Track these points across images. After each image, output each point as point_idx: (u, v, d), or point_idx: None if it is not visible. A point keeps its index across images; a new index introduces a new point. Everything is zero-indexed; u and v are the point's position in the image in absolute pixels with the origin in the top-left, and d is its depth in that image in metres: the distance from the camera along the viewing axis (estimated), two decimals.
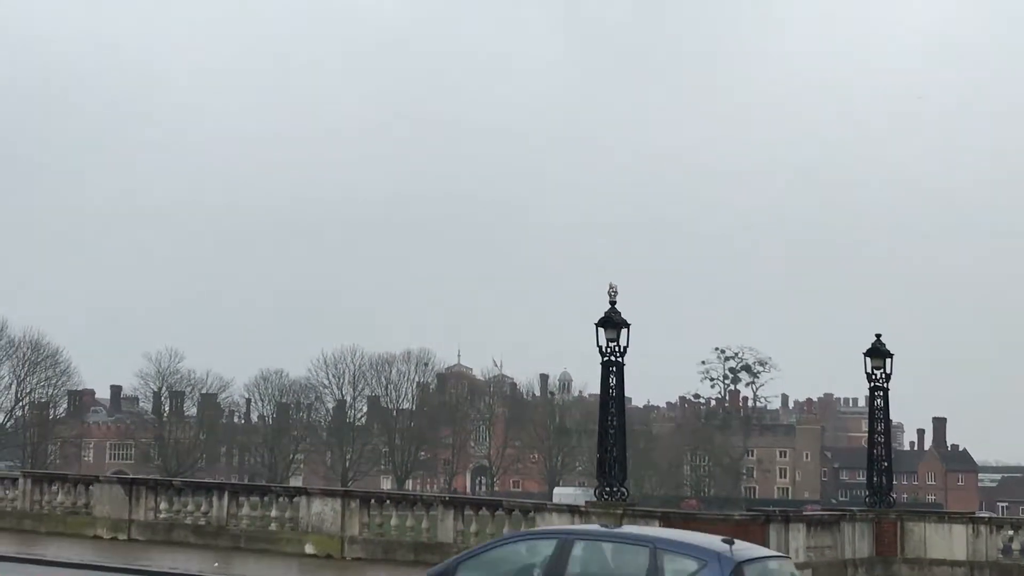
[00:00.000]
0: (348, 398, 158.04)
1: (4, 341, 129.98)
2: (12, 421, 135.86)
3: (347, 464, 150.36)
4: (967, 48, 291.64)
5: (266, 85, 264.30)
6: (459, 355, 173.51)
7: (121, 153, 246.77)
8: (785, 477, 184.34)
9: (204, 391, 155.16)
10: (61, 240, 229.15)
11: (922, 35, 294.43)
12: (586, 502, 34.19)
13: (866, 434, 41.76)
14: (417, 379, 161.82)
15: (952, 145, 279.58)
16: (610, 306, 32.74)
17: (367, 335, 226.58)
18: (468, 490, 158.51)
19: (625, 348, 32.71)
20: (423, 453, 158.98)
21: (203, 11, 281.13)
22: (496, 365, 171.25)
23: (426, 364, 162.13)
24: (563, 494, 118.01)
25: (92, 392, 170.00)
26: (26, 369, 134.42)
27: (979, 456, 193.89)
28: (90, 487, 37.96)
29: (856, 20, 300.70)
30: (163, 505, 36.62)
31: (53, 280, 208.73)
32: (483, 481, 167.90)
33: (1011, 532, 34.86)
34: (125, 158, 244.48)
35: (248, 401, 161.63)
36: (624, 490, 32.29)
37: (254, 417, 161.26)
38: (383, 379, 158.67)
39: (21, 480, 39.67)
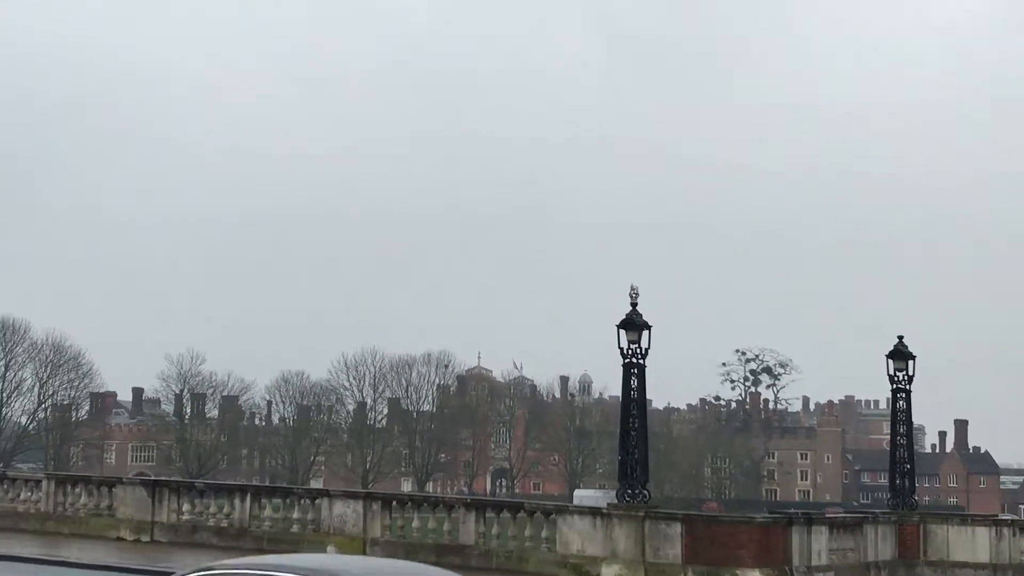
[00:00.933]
0: (369, 400, 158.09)
1: (27, 344, 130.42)
2: (35, 423, 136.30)
3: (367, 466, 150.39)
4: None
5: (286, 95, 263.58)
6: (479, 357, 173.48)
7: (143, 160, 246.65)
8: (806, 480, 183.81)
9: (225, 393, 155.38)
10: (84, 243, 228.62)
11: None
12: (608, 504, 34.10)
13: (887, 436, 41.65)
14: (437, 381, 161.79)
15: (975, 146, 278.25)
16: (631, 308, 32.69)
17: (387, 337, 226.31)
18: (488, 492, 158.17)
19: (647, 350, 32.64)
20: (443, 455, 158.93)
21: (234, 23, 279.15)
22: (516, 367, 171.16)
23: (446, 366, 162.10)
24: (584, 496, 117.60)
25: (114, 394, 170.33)
26: (48, 371, 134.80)
27: (1001, 459, 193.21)
28: (113, 489, 38.15)
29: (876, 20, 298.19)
30: (186, 507, 36.75)
31: (74, 283, 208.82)
32: (503, 483, 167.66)
33: None
34: (148, 165, 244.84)
35: (269, 403, 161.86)
36: (646, 492, 32.19)
37: (275, 419, 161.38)
38: (403, 381, 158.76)
39: (44, 482, 39.83)
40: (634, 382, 32.68)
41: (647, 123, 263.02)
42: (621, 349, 32.74)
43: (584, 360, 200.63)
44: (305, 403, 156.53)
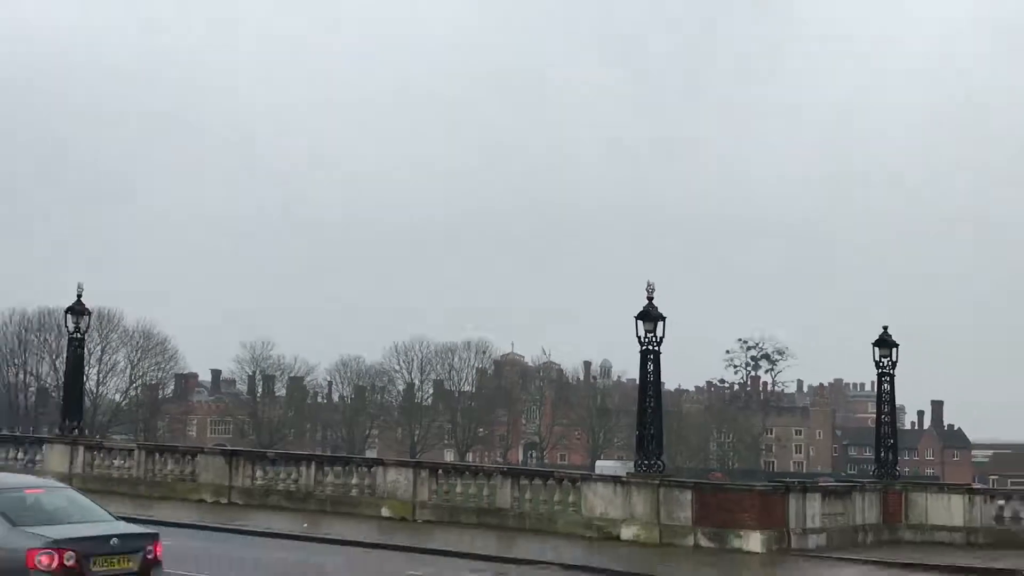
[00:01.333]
0: (416, 381, 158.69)
1: (120, 331, 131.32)
2: (127, 400, 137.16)
3: (415, 439, 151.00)
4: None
5: (360, 107, 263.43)
6: (512, 345, 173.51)
7: (222, 163, 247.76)
8: (800, 453, 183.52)
9: (292, 375, 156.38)
10: (175, 240, 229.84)
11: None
12: (627, 473, 34.06)
13: (873, 415, 41.38)
14: (476, 365, 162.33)
15: (941, 142, 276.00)
16: (648, 301, 32.54)
17: (431, 326, 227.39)
18: (520, 463, 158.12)
19: (661, 338, 32.47)
20: (481, 430, 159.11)
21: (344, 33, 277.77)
22: (545, 353, 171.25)
23: (484, 352, 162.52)
24: (604, 466, 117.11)
25: (196, 375, 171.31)
26: (139, 355, 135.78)
27: (973, 435, 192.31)
28: (196, 457, 38.43)
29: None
30: (259, 473, 37.01)
31: (163, 276, 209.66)
32: (533, 455, 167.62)
33: (1002, 502, 34.58)
34: (225, 168, 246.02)
35: (330, 383, 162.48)
36: (661, 463, 32.10)
37: (335, 397, 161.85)
38: (447, 365, 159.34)
39: (136, 451, 40.12)
40: (650, 367, 32.54)
41: (663, 121, 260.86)
42: (639, 338, 32.59)
43: (605, 347, 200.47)
44: (361, 384, 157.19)
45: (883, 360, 36.92)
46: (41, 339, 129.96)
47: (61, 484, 22.21)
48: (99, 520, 18.86)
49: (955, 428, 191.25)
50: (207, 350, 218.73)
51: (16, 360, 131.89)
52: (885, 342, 37.09)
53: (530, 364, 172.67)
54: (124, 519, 20.15)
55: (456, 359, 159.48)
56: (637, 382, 34.47)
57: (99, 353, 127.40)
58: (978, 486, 44.81)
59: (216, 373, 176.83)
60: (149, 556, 18.35)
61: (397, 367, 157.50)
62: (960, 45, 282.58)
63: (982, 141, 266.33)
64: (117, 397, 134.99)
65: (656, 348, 32.40)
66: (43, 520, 17.99)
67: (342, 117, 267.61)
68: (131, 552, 18.14)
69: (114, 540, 17.89)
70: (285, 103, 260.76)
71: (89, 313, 41.49)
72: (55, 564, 17.07)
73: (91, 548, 17.71)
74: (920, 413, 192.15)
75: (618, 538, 30.51)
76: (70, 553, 17.20)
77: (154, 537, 18.80)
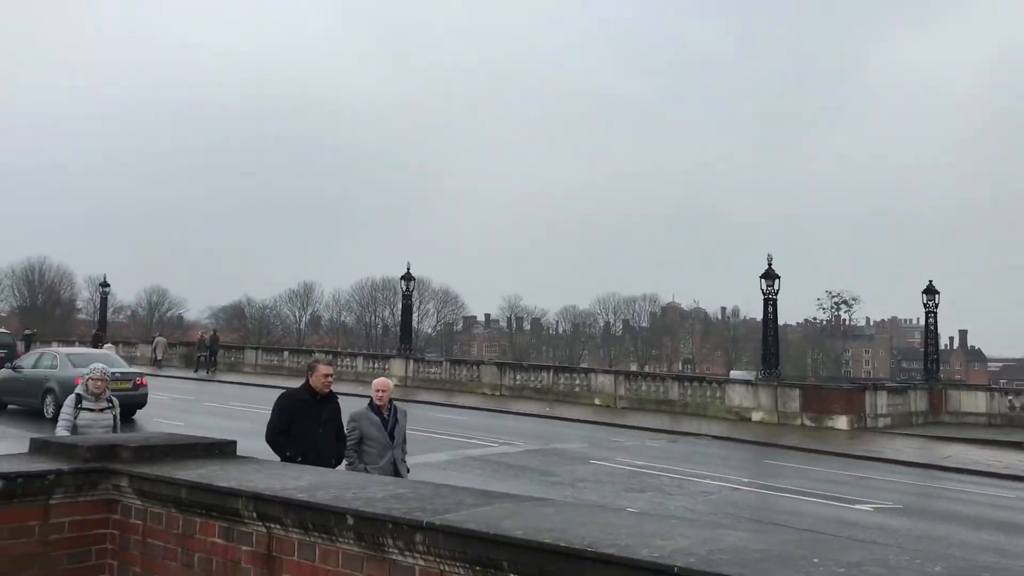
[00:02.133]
0: (611, 320, 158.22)
1: (430, 290, 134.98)
2: (435, 332, 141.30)
3: (612, 357, 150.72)
4: None
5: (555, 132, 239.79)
6: (673, 295, 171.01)
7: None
8: (869, 366, 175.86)
9: (533, 317, 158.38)
10: (463, 222, 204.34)
11: None
12: (755, 378, 33.32)
13: (920, 340, 39.16)
14: (649, 309, 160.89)
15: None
16: (768, 265, 31.76)
17: (622, 282, 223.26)
18: (680, 372, 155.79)
19: (778, 290, 31.66)
20: (654, 351, 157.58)
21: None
22: (695, 302, 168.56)
23: (654, 300, 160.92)
24: (736, 375, 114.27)
25: (474, 317, 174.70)
26: (440, 305, 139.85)
27: (990, 353, 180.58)
28: (479, 367, 39.18)
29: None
30: (518, 376, 37.51)
31: (455, 251, 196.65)
32: (688, 368, 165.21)
33: (1011, 397, 32.62)
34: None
35: (557, 323, 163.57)
36: (777, 372, 31.35)
37: (560, 331, 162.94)
38: (631, 310, 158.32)
39: (444, 363, 41.25)
40: (770, 309, 31.83)
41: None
42: (762, 290, 31.88)
43: (736, 295, 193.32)
44: (576, 322, 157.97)
45: (928, 303, 34.98)
46: (384, 296, 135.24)
47: (105, 351, 29.87)
48: (118, 366, 23.03)
49: (976, 348, 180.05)
50: (481, 299, 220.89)
51: (370, 308, 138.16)
52: (931, 290, 35.12)
53: (685, 308, 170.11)
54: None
55: (636, 306, 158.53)
56: (759, 320, 33.69)
57: (418, 303, 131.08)
58: (995, 386, 42.31)
59: (487, 315, 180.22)
60: (138, 382, 22.51)
61: (599, 311, 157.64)
62: None
63: None
64: (428, 331, 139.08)
65: (774, 297, 31.73)
66: (83, 364, 20.56)
67: None
68: (128, 378, 22.32)
69: (116, 372, 20.81)
70: None
71: (413, 279, 42.88)
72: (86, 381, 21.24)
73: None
74: (951, 338, 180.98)
75: (749, 420, 29.86)
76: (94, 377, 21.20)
77: (139, 375, 23.16)
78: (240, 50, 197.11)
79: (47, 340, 59.35)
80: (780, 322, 32.89)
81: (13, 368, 23.57)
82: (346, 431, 8.62)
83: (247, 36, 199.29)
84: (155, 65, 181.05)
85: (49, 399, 21.29)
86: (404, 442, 8.97)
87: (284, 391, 8.70)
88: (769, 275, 31.58)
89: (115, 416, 8.93)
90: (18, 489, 3.80)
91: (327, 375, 8.40)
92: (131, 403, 21.32)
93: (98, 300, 61.46)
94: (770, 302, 31.60)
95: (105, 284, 56.05)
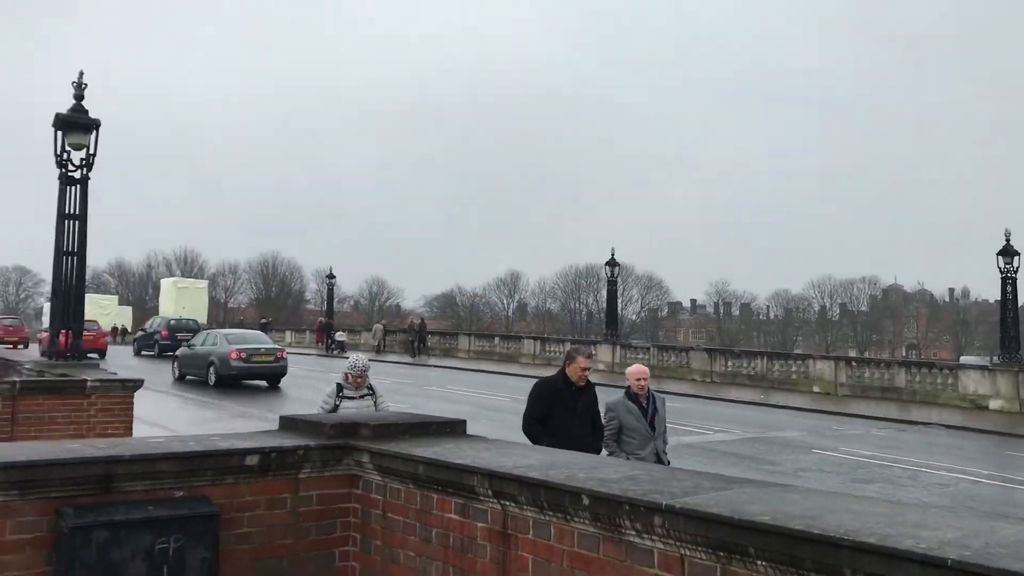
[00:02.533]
0: (828, 304, 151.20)
1: (633, 276, 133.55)
2: (639, 318, 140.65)
3: (828, 343, 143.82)
4: None
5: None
6: (895, 277, 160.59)
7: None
8: None
9: (742, 302, 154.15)
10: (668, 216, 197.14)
11: None
12: (992, 362, 30.75)
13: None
14: (869, 292, 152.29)
15: None
16: (1006, 241, 29.21)
17: (837, 264, 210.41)
18: (903, 358, 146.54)
19: (1017, 268, 29.08)
20: (874, 336, 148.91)
21: None
22: (919, 284, 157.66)
23: (874, 283, 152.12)
24: (967, 360, 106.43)
25: (679, 303, 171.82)
26: (645, 291, 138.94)
27: None
28: (688, 352, 38.62)
29: None
30: (730, 363, 36.70)
31: (668, 231, 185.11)
32: (913, 353, 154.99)
33: None
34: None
35: (767, 307, 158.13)
36: (1019, 356, 28.72)
37: (771, 316, 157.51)
38: (848, 293, 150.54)
39: (651, 348, 40.98)
40: (1008, 289, 29.30)
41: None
42: (999, 268, 29.31)
43: (966, 275, 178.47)
44: (788, 307, 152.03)
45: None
46: (588, 282, 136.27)
47: (256, 332, 33.21)
48: (264, 343, 27.76)
49: None
50: (685, 284, 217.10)
51: (574, 295, 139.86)
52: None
53: (908, 291, 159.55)
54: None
55: (855, 288, 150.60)
56: (993, 301, 31.12)
57: (622, 289, 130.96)
58: None
59: (692, 301, 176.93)
60: (279, 355, 26.52)
61: (814, 294, 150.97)
62: None
63: None
64: (632, 317, 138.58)
65: (1013, 275, 29.18)
66: (238, 342, 27.06)
67: None
68: (272, 352, 26.69)
69: (262, 348, 26.69)
70: None
71: (618, 264, 42.80)
72: (239, 355, 25.92)
73: (253, 350, 26.31)
74: None
75: (986, 408, 27.60)
76: (243, 353, 26.15)
77: (280, 349, 27.20)
78: (453, 41, 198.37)
79: (280, 328, 65.23)
80: (1020, 303, 29.97)
81: (188, 346, 28.48)
82: (603, 421, 8.44)
83: (467, 27, 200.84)
84: (373, 63, 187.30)
85: (211, 370, 26.09)
86: (664, 431, 8.69)
87: (539, 379, 8.63)
88: (1007, 252, 28.99)
89: (375, 403, 9.14)
90: (272, 463, 4.08)
91: (585, 368, 8.21)
92: (275, 372, 26.19)
93: (325, 291, 65.95)
94: (1009, 281, 28.99)
95: (331, 276, 59.77)
